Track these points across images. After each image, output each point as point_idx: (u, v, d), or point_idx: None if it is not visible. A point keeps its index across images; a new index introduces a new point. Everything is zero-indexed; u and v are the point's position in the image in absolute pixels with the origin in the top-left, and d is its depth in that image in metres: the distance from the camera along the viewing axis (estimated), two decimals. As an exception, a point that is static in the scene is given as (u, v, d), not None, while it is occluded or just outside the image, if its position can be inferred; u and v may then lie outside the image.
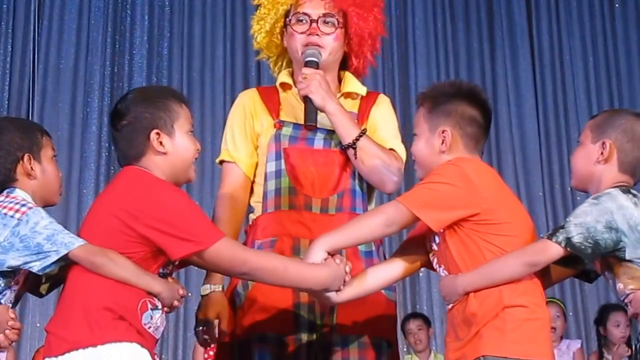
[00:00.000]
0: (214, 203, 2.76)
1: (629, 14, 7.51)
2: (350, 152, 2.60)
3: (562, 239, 2.22)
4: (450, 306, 2.34)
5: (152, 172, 2.26)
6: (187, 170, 2.35)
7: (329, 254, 2.33)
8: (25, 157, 2.33)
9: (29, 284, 2.33)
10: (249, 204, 2.74)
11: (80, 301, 2.14)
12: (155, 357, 2.23)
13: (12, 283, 2.24)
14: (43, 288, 2.38)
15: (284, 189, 2.63)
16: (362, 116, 2.73)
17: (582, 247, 2.22)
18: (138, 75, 7.03)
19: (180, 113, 2.32)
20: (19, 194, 2.29)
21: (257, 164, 2.72)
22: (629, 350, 5.07)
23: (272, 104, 2.73)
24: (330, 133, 2.65)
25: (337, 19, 2.70)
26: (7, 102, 6.85)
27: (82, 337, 2.11)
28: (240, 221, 2.72)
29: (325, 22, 2.70)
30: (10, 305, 2.25)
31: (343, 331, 2.56)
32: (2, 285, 2.22)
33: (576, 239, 2.21)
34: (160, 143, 2.28)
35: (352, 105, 2.75)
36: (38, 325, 6.28)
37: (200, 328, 2.60)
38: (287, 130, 2.68)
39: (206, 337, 2.59)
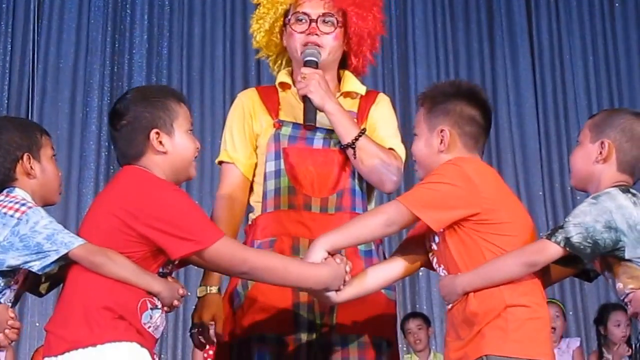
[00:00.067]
0: (212, 203, 2.76)
1: (628, 13, 7.51)
2: (350, 151, 2.60)
3: (561, 239, 2.22)
4: (450, 306, 2.33)
5: (152, 171, 2.26)
6: (187, 168, 2.35)
7: (329, 253, 2.33)
8: (25, 157, 2.33)
9: (28, 283, 2.33)
10: (248, 203, 2.74)
11: (80, 301, 2.14)
12: (155, 356, 2.22)
13: (12, 282, 2.24)
14: (43, 287, 2.38)
15: (283, 189, 2.63)
16: (361, 115, 2.73)
17: (582, 247, 2.22)
18: (138, 74, 7.02)
19: (179, 112, 2.32)
20: (19, 193, 2.29)
21: (256, 164, 2.72)
22: (630, 350, 5.07)
23: (272, 104, 2.73)
24: (330, 132, 2.65)
25: (336, 19, 2.70)
26: (6, 101, 6.85)
27: (82, 336, 2.11)
28: (238, 222, 2.72)
29: (324, 22, 2.70)
30: (10, 304, 2.25)
31: (343, 331, 2.56)
32: (2, 284, 2.22)
33: (575, 239, 2.21)
34: (160, 142, 2.28)
35: (352, 105, 2.75)
36: (37, 324, 6.28)
37: (196, 330, 2.60)
38: (286, 130, 2.67)
39: (201, 338, 2.60)
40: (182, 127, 2.32)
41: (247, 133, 2.73)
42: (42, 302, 5.92)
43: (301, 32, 2.69)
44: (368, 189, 2.71)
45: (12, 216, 2.20)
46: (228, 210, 2.68)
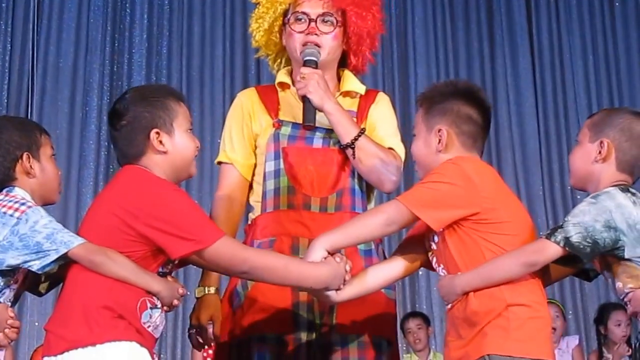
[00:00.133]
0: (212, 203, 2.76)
1: (628, 12, 7.51)
2: (349, 151, 2.60)
3: (560, 239, 2.22)
4: (450, 305, 2.33)
5: (152, 171, 2.26)
6: (187, 167, 2.35)
7: (328, 252, 2.33)
8: (24, 156, 2.33)
9: (28, 282, 2.33)
10: (248, 203, 2.74)
11: (79, 300, 2.14)
12: (154, 356, 2.22)
13: (12, 282, 2.24)
14: (42, 287, 2.38)
15: (282, 189, 2.63)
16: (361, 114, 2.73)
17: (581, 246, 2.22)
18: (137, 74, 7.02)
19: (179, 111, 2.32)
20: (19, 192, 2.29)
21: (256, 164, 2.72)
22: (630, 350, 5.07)
23: (271, 104, 2.73)
24: (329, 132, 2.65)
25: (335, 18, 2.70)
26: (6, 100, 6.85)
27: (82, 336, 2.11)
28: (236, 222, 2.72)
29: (323, 21, 2.70)
30: (10, 304, 2.25)
31: (342, 330, 2.56)
32: (2, 284, 2.22)
33: (575, 239, 2.21)
34: (160, 142, 2.28)
35: (351, 104, 2.75)
36: (36, 324, 6.27)
37: (194, 331, 2.60)
38: (285, 130, 2.67)
39: (199, 339, 2.60)
40: (182, 127, 2.32)
41: (246, 134, 2.73)
42: (42, 301, 5.91)
43: (300, 32, 2.69)
44: (368, 188, 2.70)
45: (11, 215, 2.20)
46: (226, 210, 2.68)
